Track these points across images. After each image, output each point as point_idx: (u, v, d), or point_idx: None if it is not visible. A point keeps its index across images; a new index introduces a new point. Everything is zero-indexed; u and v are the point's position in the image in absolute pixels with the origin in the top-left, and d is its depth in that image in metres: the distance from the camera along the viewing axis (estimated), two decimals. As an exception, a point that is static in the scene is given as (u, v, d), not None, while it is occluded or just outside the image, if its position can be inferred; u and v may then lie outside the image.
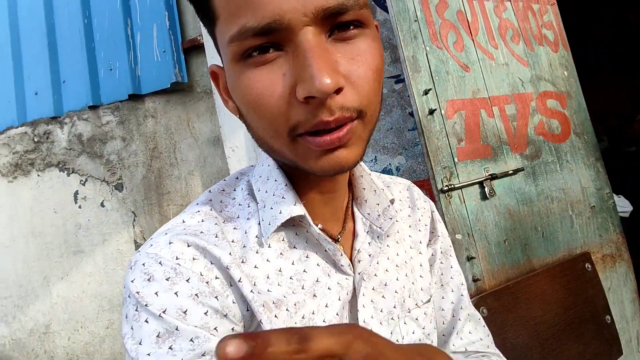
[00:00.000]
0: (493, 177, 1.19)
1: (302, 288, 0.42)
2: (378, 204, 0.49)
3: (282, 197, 0.42)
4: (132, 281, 0.36)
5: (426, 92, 1.15)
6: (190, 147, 1.76)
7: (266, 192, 0.44)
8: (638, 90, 3.22)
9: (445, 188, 1.11)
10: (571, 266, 1.19)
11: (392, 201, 0.49)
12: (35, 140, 1.87)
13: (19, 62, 1.91)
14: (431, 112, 1.15)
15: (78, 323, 1.77)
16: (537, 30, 1.43)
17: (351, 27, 0.34)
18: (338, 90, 0.32)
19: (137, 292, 0.35)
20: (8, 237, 1.87)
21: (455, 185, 1.12)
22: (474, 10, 1.32)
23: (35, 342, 1.81)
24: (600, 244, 1.32)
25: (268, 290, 0.40)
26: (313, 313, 0.42)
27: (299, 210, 0.41)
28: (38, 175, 1.86)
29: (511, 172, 1.22)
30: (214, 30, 0.38)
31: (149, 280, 0.36)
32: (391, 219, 0.48)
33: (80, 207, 1.81)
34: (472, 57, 1.27)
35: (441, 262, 0.58)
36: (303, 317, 0.41)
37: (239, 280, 0.38)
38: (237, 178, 0.49)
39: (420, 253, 0.54)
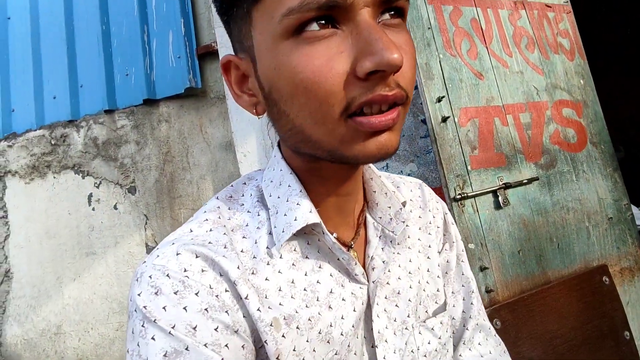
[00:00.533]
0: (507, 186, 1.17)
1: (317, 300, 0.41)
2: (390, 207, 0.47)
3: (297, 204, 0.41)
4: (138, 294, 0.35)
5: (439, 100, 1.15)
6: (203, 152, 1.78)
7: (279, 197, 0.42)
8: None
9: (458, 197, 1.09)
10: (588, 279, 1.16)
11: (404, 204, 0.48)
12: (52, 143, 1.91)
13: (39, 67, 1.96)
14: (444, 119, 1.14)
15: (89, 324, 1.79)
16: (553, 38, 1.42)
17: (396, 16, 0.35)
18: (397, 70, 0.32)
19: (144, 307, 0.34)
20: (23, 237, 1.90)
21: (469, 194, 1.11)
22: (488, 18, 1.31)
23: (47, 343, 1.83)
24: (618, 256, 1.29)
25: (280, 304, 0.39)
26: (330, 326, 0.40)
27: (314, 217, 0.40)
28: (54, 177, 1.90)
29: (525, 181, 1.20)
30: (252, 10, 0.35)
31: (156, 294, 0.34)
32: (404, 222, 0.47)
33: (93, 209, 1.84)
34: (486, 65, 1.26)
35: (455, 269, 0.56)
36: (320, 332, 0.40)
37: (246, 297, 0.37)
38: (245, 183, 0.47)
39: (428, 258, 0.52)
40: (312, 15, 0.32)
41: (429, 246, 0.53)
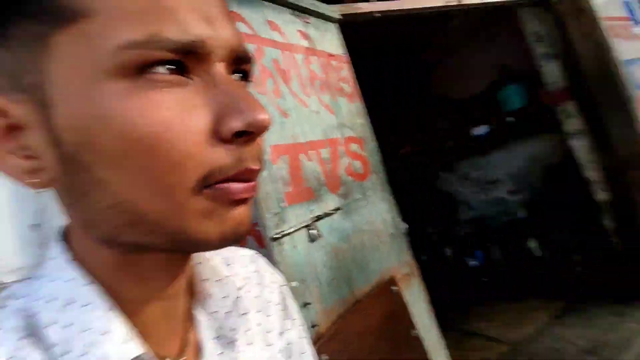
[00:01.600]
0: (318, 218, 1.24)
1: None
2: (225, 297, 0.38)
3: (103, 333, 0.28)
4: None
5: (251, 137, 1.12)
6: None
7: (68, 327, 0.28)
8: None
9: (277, 235, 1.08)
10: (384, 292, 1.34)
11: (239, 289, 0.40)
12: None
13: None
14: (257, 157, 1.11)
15: None
16: (337, 83, 1.63)
17: (244, 79, 0.32)
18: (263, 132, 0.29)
19: None
20: None
21: (285, 231, 1.11)
22: (287, 61, 1.39)
23: None
24: (399, 265, 1.56)
25: None
26: None
27: (135, 348, 0.28)
28: None
29: (332, 211, 1.31)
30: (53, 33, 0.25)
31: None
32: (245, 314, 0.39)
33: None
34: (289, 104, 1.32)
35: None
36: None
37: None
38: None
39: (267, 345, 0.44)
40: (162, 56, 0.25)
41: (268, 331, 0.45)
